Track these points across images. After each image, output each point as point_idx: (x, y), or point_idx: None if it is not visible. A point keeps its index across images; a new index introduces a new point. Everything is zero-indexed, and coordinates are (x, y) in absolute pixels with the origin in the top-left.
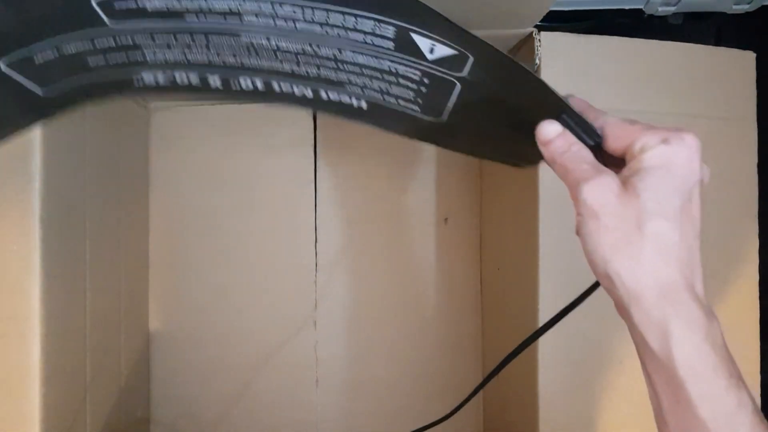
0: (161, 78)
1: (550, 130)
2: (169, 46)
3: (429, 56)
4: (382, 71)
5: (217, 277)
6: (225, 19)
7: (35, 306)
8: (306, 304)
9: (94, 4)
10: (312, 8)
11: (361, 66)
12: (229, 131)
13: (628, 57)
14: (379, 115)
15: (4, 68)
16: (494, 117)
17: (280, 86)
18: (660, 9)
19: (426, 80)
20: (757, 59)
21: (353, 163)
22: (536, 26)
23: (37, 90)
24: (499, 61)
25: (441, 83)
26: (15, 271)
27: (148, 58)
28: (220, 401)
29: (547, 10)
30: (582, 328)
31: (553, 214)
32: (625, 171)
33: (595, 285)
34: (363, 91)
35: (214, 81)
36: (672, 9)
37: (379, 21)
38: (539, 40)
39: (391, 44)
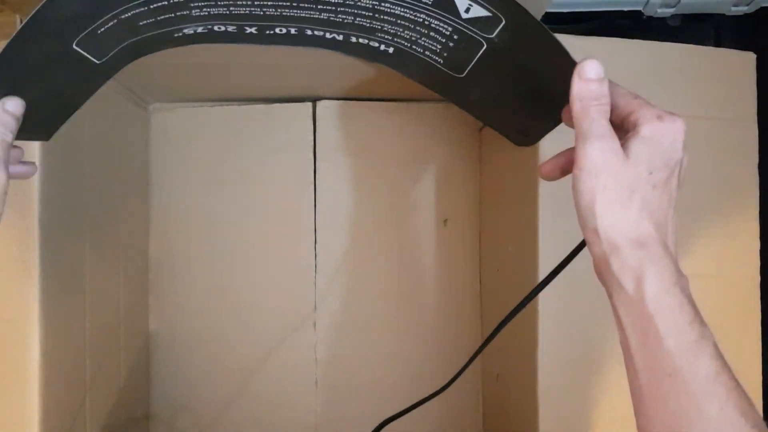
0: (200, 29)
1: (596, 70)
2: (216, 2)
3: (464, 15)
4: (415, 23)
5: (217, 278)
6: None
7: (34, 307)
8: (305, 305)
9: None
10: None
11: (396, 17)
12: (228, 132)
13: (627, 58)
14: (402, 61)
15: (75, 47)
16: (510, 82)
17: (312, 31)
18: (659, 10)
19: (456, 36)
20: (757, 60)
21: (353, 164)
22: None
23: (95, 60)
24: (529, 27)
25: (469, 42)
26: (14, 272)
27: (193, 13)
28: (219, 401)
29: (545, 11)
30: (581, 328)
31: (553, 216)
32: (624, 138)
33: (582, 244)
34: (393, 39)
35: (250, 29)
36: (671, 11)
37: None
38: None
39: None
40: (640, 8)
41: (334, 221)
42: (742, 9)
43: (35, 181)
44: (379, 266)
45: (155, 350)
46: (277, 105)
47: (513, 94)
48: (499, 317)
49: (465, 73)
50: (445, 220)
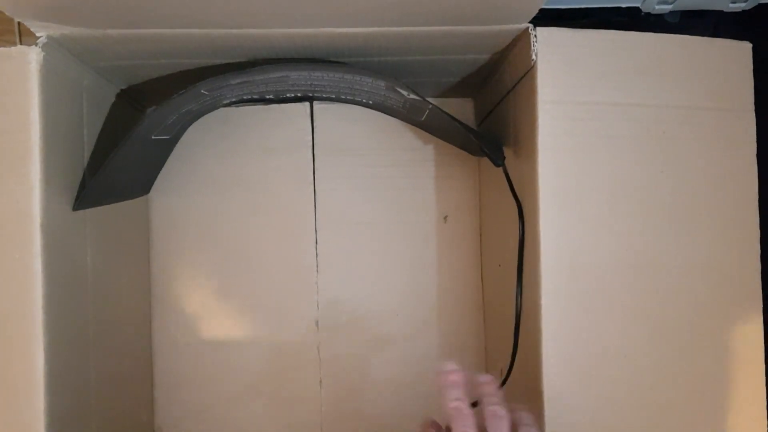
0: (234, 99)
1: (448, 366)
2: (241, 89)
3: (407, 96)
4: (379, 94)
5: (219, 280)
6: (279, 77)
7: (38, 313)
8: (308, 305)
9: (203, 91)
10: (334, 71)
11: (366, 91)
12: (227, 134)
13: (625, 50)
14: (380, 109)
15: (153, 137)
16: (448, 125)
17: (313, 93)
18: (657, 7)
19: (407, 104)
20: (754, 56)
21: (351, 163)
22: (532, 23)
23: (167, 137)
24: (440, 110)
25: (416, 108)
26: (17, 278)
27: (227, 95)
28: (223, 403)
29: (542, 5)
30: (585, 322)
31: (554, 210)
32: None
33: None
34: (369, 98)
35: (269, 95)
36: (669, 7)
37: (375, 78)
38: (535, 35)
39: (383, 87)
40: (637, 5)
41: (334, 220)
42: (740, 5)
43: (36, 186)
44: (381, 264)
45: (159, 353)
46: (275, 105)
47: (452, 129)
48: (502, 313)
49: (424, 118)
50: (446, 217)
